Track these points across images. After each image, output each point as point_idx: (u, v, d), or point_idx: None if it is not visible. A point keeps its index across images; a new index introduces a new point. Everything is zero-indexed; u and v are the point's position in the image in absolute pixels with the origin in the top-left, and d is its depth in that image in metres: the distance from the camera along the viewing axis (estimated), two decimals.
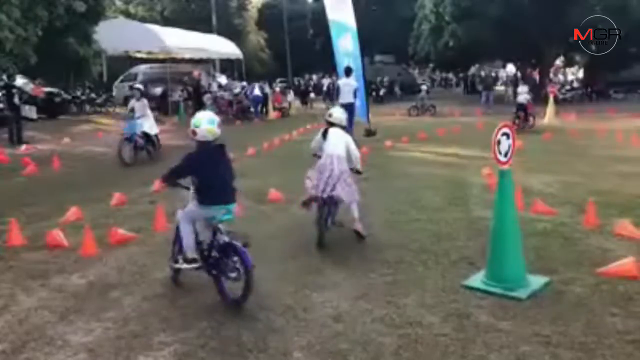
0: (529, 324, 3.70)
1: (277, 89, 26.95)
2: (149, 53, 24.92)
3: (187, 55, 25.15)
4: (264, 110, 22.50)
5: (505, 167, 4.26)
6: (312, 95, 29.79)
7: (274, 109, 23.39)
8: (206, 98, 19.37)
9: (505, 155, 4.23)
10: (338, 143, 5.64)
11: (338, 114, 5.97)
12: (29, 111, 16.75)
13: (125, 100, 23.22)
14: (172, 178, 4.32)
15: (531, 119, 16.20)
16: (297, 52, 37.72)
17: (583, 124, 17.48)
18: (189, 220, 4.30)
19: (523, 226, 4.66)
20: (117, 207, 7.40)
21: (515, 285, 4.21)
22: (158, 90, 22.57)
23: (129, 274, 4.87)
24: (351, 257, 5.16)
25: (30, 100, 17.27)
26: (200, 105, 19.42)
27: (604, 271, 4.49)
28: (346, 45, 15.14)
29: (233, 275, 4.04)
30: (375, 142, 13.02)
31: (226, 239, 4.11)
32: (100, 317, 4.00)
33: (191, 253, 4.26)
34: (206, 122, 4.19)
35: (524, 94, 16.40)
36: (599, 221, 5.87)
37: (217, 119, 4.32)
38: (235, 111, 20.99)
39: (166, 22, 29.59)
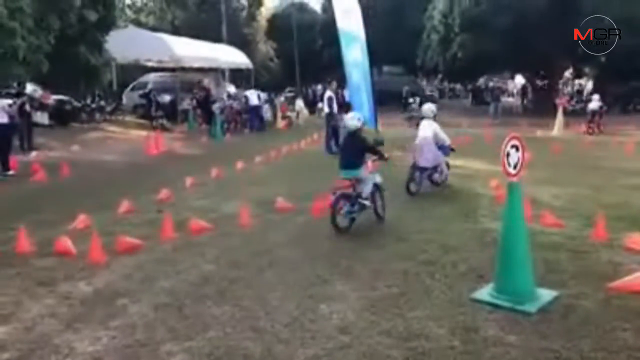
0: (538, 339, 3.66)
1: (282, 99, 26.99)
2: (159, 62, 25.10)
3: (197, 65, 25.30)
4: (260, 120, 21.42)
5: (514, 179, 4.23)
6: (320, 104, 29.84)
7: (282, 117, 23.55)
8: (215, 107, 19.44)
9: (515, 167, 4.21)
10: (426, 130, 8.38)
11: (426, 109, 8.71)
12: (41, 117, 16.96)
13: (135, 109, 23.50)
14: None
15: (602, 126, 18.09)
16: (306, 61, 37.82)
17: (592, 135, 17.41)
18: None
19: (532, 239, 4.62)
20: (125, 214, 7.43)
21: (524, 298, 4.16)
22: (167, 99, 22.73)
23: (136, 282, 4.88)
24: (358, 268, 5.14)
25: (42, 107, 17.45)
26: (209, 114, 19.51)
27: (615, 286, 4.44)
28: (355, 55, 15.19)
29: (355, 208, 6.43)
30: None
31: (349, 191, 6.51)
32: (106, 325, 4.00)
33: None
34: (348, 119, 6.66)
35: (596, 101, 18.25)
36: (608, 234, 5.81)
37: (357, 115, 6.69)
38: (245, 120, 21.05)
39: (176, 31, 29.77)
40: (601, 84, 26.69)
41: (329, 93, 14.98)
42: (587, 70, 32.47)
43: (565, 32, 22.89)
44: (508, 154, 4.19)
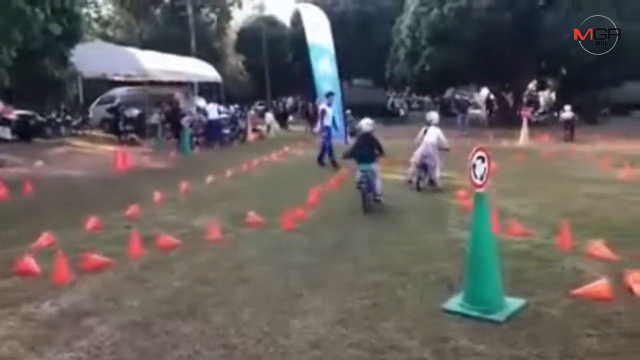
0: (506, 347, 3.71)
1: (252, 112, 27.08)
2: (127, 76, 24.73)
3: (165, 78, 25.04)
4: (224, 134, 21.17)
5: (481, 189, 4.31)
6: (290, 117, 29.98)
7: (253, 130, 23.61)
8: (184, 121, 19.25)
9: (481, 178, 4.29)
10: (433, 136, 9.91)
11: (432, 117, 10.34)
12: (3, 132, 16.53)
13: (102, 123, 23.07)
14: (346, 155, 8.71)
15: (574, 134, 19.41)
16: (276, 75, 37.92)
17: (555, 146, 17.91)
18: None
19: (499, 248, 4.70)
20: (92, 231, 7.25)
21: (493, 307, 4.22)
22: (135, 113, 22.37)
23: (102, 301, 4.75)
24: (330, 281, 5.13)
25: (4, 122, 16.99)
26: (178, 128, 19.29)
27: (579, 292, 4.54)
28: (325, 68, 15.35)
29: (370, 194, 8.07)
30: (352, 165, 13.03)
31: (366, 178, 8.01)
32: (71, 346, 3.88)
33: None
34: (363, 124, 8.51)
35: (568, 111, 19.53)
36: (573, 242, 5.96)
37: (370, 121, 8.50)
38: (214, 134, 20.86)
39: (144, 45, 29.46)
40: (564, 95, 27.55)
41: (323, 106, 14.23)
42: (550, 82, 33.46)
43: (529, 46, 23.62)
44: (474, 165, 4.27)
